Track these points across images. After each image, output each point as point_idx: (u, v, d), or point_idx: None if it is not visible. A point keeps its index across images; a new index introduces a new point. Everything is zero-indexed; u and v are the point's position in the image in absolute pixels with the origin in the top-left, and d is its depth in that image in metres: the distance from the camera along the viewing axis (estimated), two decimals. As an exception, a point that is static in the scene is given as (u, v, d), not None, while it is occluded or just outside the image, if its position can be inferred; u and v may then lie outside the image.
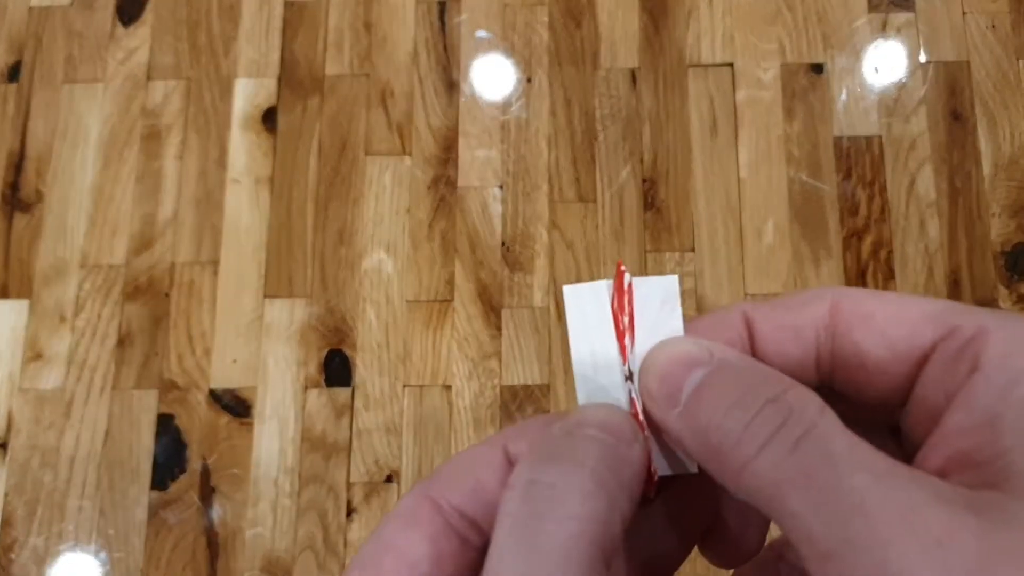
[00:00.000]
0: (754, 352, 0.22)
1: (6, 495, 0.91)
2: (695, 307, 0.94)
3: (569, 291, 0.22)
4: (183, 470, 0.91)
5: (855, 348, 0.21)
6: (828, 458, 0.17)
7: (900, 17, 1.01)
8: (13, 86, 1.04)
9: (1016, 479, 0.17)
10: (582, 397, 0.22)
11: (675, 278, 0.22)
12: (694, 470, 0.22)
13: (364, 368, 0.93)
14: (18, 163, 1.01)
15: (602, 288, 0.22)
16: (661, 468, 0.22)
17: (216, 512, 0.90)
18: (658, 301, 0.22)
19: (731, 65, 1.01)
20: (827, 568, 0.17)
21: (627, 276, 0.22)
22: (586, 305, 0.22)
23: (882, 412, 0.22)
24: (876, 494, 0.16)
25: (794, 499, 0.17)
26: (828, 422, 0.18)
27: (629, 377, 0.22)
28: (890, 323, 0.20)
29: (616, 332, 0.22)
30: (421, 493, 0.21)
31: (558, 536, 0.18)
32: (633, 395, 0.22)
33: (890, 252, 0.95)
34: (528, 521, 0.18)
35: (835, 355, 0.21)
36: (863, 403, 0.22)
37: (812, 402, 0.18)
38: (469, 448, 0.22)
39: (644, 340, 0.22)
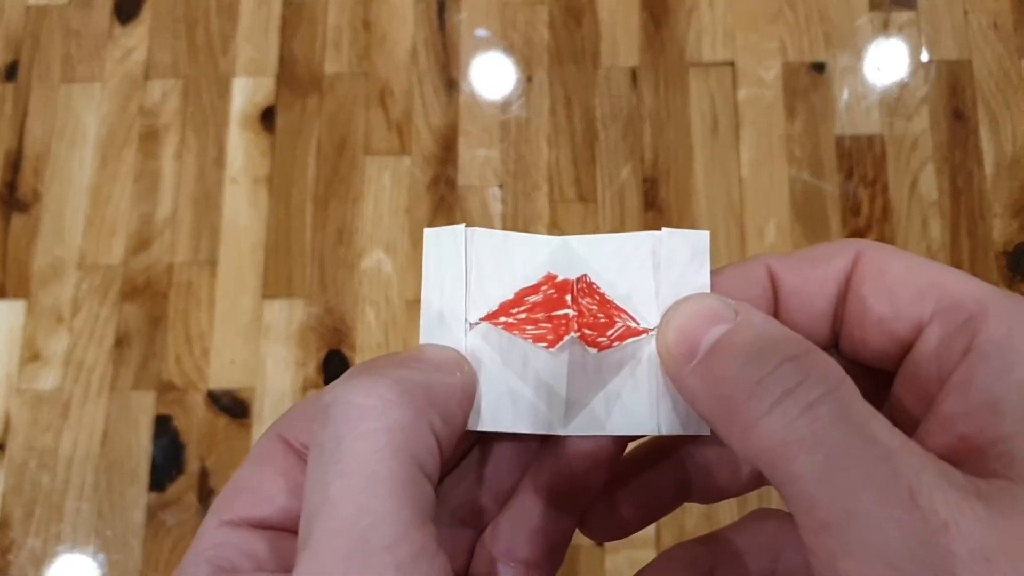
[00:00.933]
0: (777, 304, 0.22)
1: (3, 497, 0.91)
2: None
3: (429, 233, 0.22)
4: (181, 471, 0.90)
5: (861, 302, 0.21)
6: (842, 424, 0.17)
7: (902, 16, 1.01)
8: (10, 85, 1.03)
9: (1019, 466, 0.16)
10: (424, 337, 0.21)
11: (707, 233, 0.22)
12: (706, 432, 0.21)
13: (363, 369, 0.93)
14: (15, 163, 1.01)
15: (459, 232, 0.21)
16: (671, 428, 0.21)
17: (214, 514, 0.89)
18: (687, 255, 0.21)
19: (732, 64, 1.00)
20: (825, 540, 0.16)
21: (569, 301, 0.21)
22: (443, 249, 0.21)
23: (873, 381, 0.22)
24: (886, 469, 0.16)
25: (800, 462, 0.16)
26: (846, 391, 0.17)
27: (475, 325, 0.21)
28: (899, 283, 0.20)
29: (508, 300, 0.21)
30: (272, 433, 0.21)
31: (361, 453, 0.17)
32: (465, 339, 0.21)
33: (892, 252, 0.94)
34: (329, 445, 0.17)
35: (845, 306, 0.21)
36: (860, 363, 0.22)
37: (833, 368, 0.18)
38: (322, 389, 0.22)
39: (669, 293, 0.21)
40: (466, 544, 0.23)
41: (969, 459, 0.17)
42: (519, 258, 0.22)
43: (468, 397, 0.20)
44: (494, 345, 0.21)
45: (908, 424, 0.20)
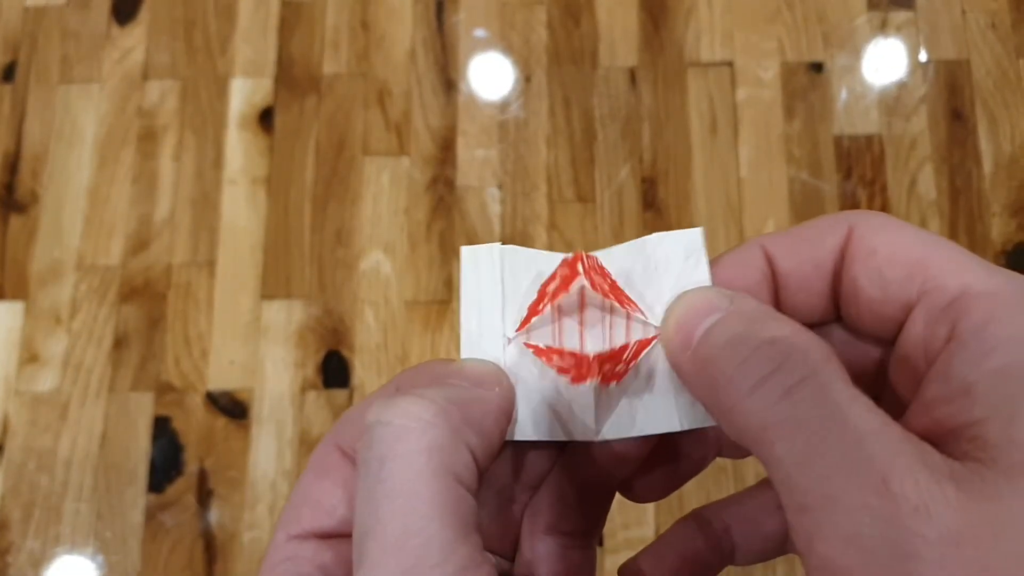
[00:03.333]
0: (777, 287, 0.22)
1: (2, 498, 0.91)
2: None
3: (466, 252, 0.23)
4: (180, 473, 0.90)
5: (852, 282, 0.21)
6: (820, 409, 0.17)
7: (900, 16, 1.01)
8: (8, 86, 1.03)
9: (991, 450, 0.16)
10: (465, 352, 0.22)
11: (699, 230, 0.22)
12: (713, 423, 0.22)
13: (362, 369, 0.93)
14: (13, 164, 1.00)
15: (495, 251, 0.22)
16: (692, 422, 0.22)
17: (213, 515, 0.89)
18: (682, 255, 0.22)
19: (731, 64, 1.00)
20: (803, 520, 0.16)
21: (581, 270, 0.22)
22: (480, 267, 0.22)
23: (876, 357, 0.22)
24: (861, 454, 0.16)
25: (780, 446, 0.17)
26: (829, 372, 0.18)
27: (511, 340, 0.22)
28: (887, 263, 0.20)
29: (533, 301, 0.22)
30: (328, 443, 0.22)
31: (403, 474, 0.17)
32: (503, 353, 0.22)
33: (891, 252, 0.94)
34: (374, 465, 0.18)
35: (841, 285, 0.21)
36: (862, 337, 0.22)
37: (816, 349, 0.18)
38: (367, 396, 0.23)
39: (669, 293, 0.22)
40: (516, 519, 0.24)
41: (945, 442, 0.17)
42: (548, 273, 0.23)
43: (506, 411, 0.21)
44: (530, 358, 0.22)
45: (901, 401, 0.21)
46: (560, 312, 0.22)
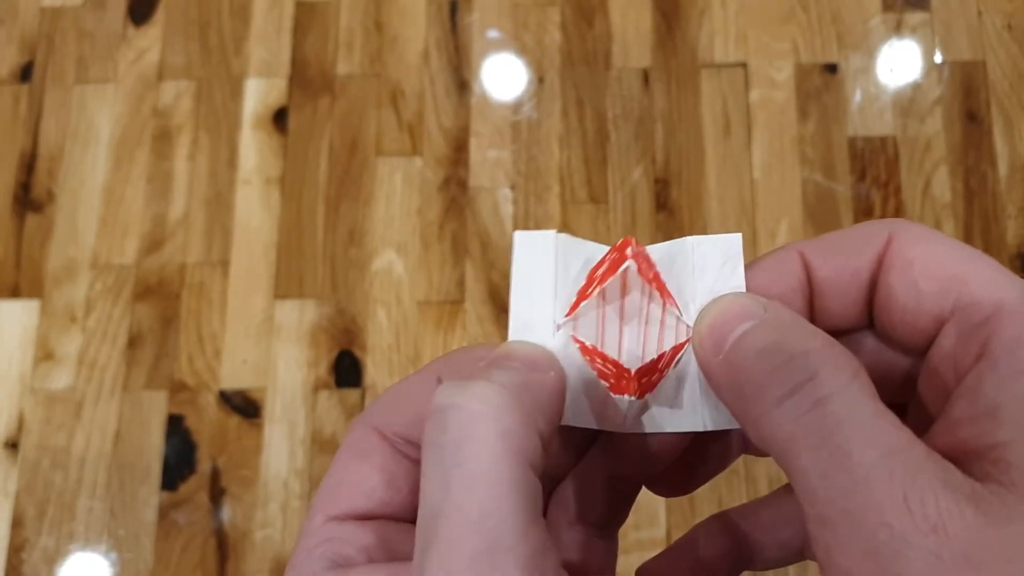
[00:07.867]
0: (813, 294, 0.22)
1: (17, 496, 0.91)
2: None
3: (520, 236, 0.23)
4: (193, 471, 0.91)
5: (888, 290, 0.21)
6: (845, 425, 0.17)
7: (915, 17, 1.00)
8: (25, 86, 1.04)
9: (1013, 473, 0.17)
10: (513, 335, 0.22)
11: (739, 236, 0.22)
12: (737, 426, 0.22)
13: (374, 369, 0.93)
14: (30, 163, 1.01)
15: (549, 237, 0.23)
16: (717, 423, 0.22)
17: (226, 514, 0.90)
18: (719, 260, 0.22)
19: (744, 65, 1.00)
20: (823, 533, 0.17)
21: (630, 253, 0.22)
22: (534, 252, 0.23)
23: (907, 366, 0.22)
24: (883, 471, 0.16)
25: (805, 458, 0.17)
26: (856, 388, 0.18)
27: (561, 326, 0.22)
28: (924, 275, 0.20)
29: (582, 286, 0.22)
30: (365, 425, 0.22)
31: (480, 458, 0.18)
32: (553, 339, 0.22)
33: (905, 254, 0.94)
34: (449, 449, 0.18)
35: (876, 293, 0.21)
36: (892, 347, 0.22)
37: (846, 365, 0.18)
38: (404, 379, 0.23)
39: (703, 296, 0.22)
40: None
41: (968, 462, 0.17)
42: (597, 260, 0.23)
43: (562, 395, 0.21)
44: (573, 348, 0.22)
45: (928, 413, 0.21)
46: (605, 298, 0.23)
